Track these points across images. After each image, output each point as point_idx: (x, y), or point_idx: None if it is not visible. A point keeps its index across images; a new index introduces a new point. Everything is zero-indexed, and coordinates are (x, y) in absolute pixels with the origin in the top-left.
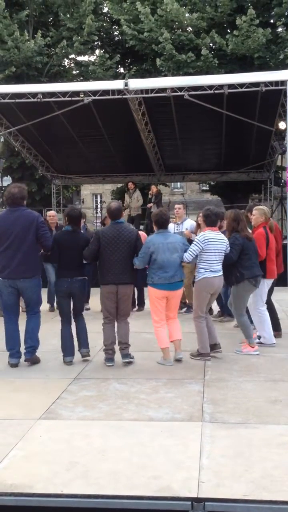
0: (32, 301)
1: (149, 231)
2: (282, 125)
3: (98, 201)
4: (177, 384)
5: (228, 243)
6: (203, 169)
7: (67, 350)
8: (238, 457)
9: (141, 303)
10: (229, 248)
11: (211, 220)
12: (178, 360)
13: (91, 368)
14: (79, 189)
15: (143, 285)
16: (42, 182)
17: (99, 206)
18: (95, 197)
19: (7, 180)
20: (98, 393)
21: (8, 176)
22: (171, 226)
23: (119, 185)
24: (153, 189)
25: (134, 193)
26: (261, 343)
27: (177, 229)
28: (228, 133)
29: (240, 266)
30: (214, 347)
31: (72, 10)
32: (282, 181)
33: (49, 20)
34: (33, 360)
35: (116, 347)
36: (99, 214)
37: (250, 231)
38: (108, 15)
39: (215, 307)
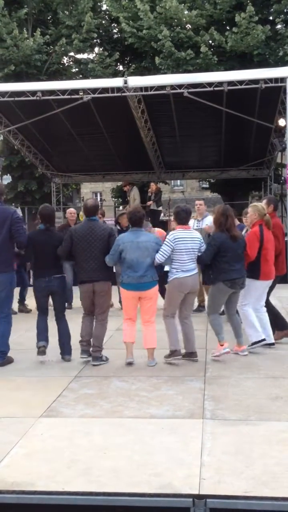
0: (0, 298)
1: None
2: (282, 122)
3: (98, 200)
4: (178, 382)
5: (202, 241)
6: (203, 166)
7: (40, 335)
8: (239, 454)
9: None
10: (203, 247)
11: (181, 217)
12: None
13: (91, 366)
14: (79, 187)
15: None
16: (42, 181)
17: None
18: (95, 195)
19: (7, 179)
20: (99, 390)
21: (8, 174)
22: (191, 222)
23: (119, 183)
24: (153, 187)
25: (131, 192)
26: (254, 343)
27: (197, 226)
28: (227, 131)
29: (216, 268)
30: (191, 355)
31: (71, 8)
32: (282, 178)
33: (48, 18)
34: (4, 364)
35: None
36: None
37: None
38: (107, 12)
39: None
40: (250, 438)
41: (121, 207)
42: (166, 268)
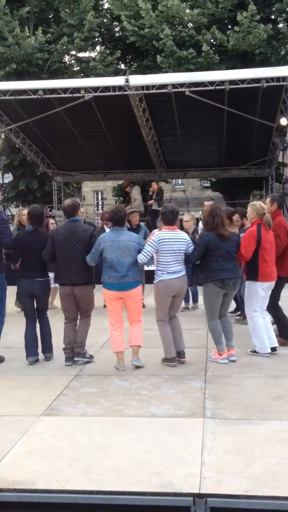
0: None
1: (150, 228)
2: (283, 121)
3: (99, 198)
4: (178, 381)
5: (189, 242)
6: (204, 165)
7: (29, 350)
8: (240, 453)
9: (195, 299)
10: (191, 248)
11: (167, 218)
12: (137, 366)
13: (92, 365)
14: (80, 186)
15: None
16: (43, 179)
17: (100, 203)
18: (96, 194)
19: (8, 177)
20: (99, 389)
21: (9, 173)
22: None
23: (120, 182)
24: (154, 186)
25: (131, 191)
26: (255, 351)
27: None
28: (229, 130)
29: (204, 267)
30: (178, 355)
31: (72, 7)
32: (283, 177)
33: (50, 16)
34: None
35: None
36: (100, 211)
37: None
38: (109, 11)
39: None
40: (251, 438)
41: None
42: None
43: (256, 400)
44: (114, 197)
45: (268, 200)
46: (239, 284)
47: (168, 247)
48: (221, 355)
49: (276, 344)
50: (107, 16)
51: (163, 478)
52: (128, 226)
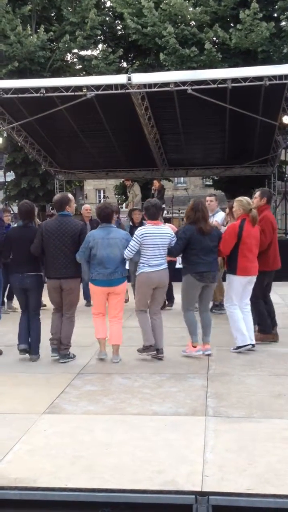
0: None
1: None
2: (286, 119)
3: (101, 197)
4: (180, 379)
5: (172, 236)
6: (207, 164)
7: (21, 337)
8: (242, 451)
9: (171, 299)
10: (174, 241)
11: (150, 213)
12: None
13: (94, 362)
14: (82, 184)
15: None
16: (45, 178)
17: (102, 201)
18: (98, 193)
19: (10, 176)
20: (102, 387)
21: (11, 171)
22: None
23: (122, 180)
24: (156, 184)
25: (132, 188)
26: (238, 347)
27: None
28: (231, 128)
29: (185, 260)
30: (156, 351)
31: (74, 5)
32: (286, 175)
33: (52, 14)
34: None
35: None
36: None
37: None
38: (111, 9)
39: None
40: (253, 436)
41: (124, 205)
42: (178, 265)
43: (258, 398)
44: (116, 196)
45: (257, 194)
46: (217, 277)
47: (150, 241)
48: (195, 347)
49: (253, 342)
50: (110, 14)
51: (165, 476)
52: (131, 224)
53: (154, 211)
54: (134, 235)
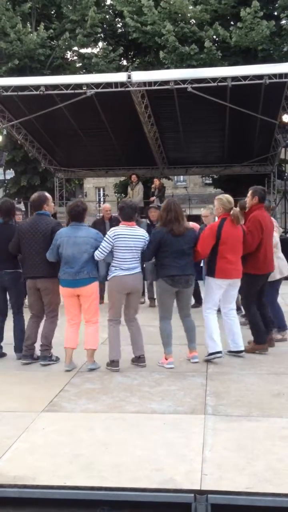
0: None
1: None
2: (285, 118)
3: (101, 195)
4: (180, 377)
5: (147, 239)
6: (206, 162)
7: None
8: (241, 450)
9: (198, 300)
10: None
11: (125, 213)
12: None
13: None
14: (82, 182)
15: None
16: (45, 176)
17: (101, 199)
18: (98, 191)
19: (10, 174)
20: (101, 385)
21: (11, 169)
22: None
23: (122, 179)
24: (156, 182)
25: (136, 186)
26: (230, 351)
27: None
28: (231, 126)
29: (157, 264)
30: (138, 360)
31: (74, 2)
32: (286, 174)
33: (52, 12)
34: None
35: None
36: (101, 208)
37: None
38: (111, 7)
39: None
40: (252, 434)
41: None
42: None
43: (257, 397)
44: (116, 194)
45: (249, 193)
46: (193, 282)
47: (123, 243)
48: (167, 359)
49: (241, 348)
50: (110, 12)
51: (164, 475)
52: (148, 222)
53: (129, 212)
54: (106, 235)
